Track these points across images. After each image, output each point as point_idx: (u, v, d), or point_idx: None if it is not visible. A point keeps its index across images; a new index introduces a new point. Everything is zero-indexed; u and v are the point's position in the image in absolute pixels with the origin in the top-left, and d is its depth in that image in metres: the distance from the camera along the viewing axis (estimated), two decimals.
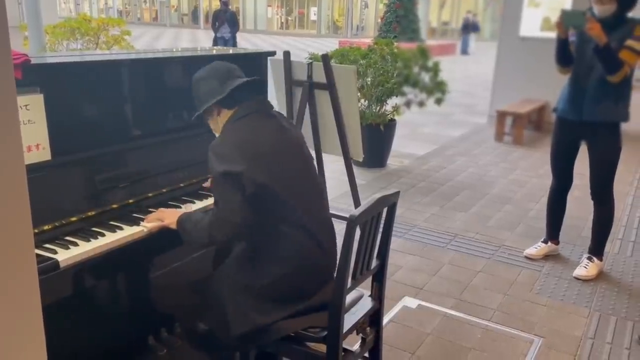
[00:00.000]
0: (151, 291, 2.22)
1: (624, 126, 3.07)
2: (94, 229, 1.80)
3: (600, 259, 3.31)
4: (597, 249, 3.31)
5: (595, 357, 2.50)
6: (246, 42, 22.05)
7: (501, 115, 6.78)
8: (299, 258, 1.74)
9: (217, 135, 1.87)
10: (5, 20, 0.73)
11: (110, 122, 2.05)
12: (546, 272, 3.32)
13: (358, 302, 1.93)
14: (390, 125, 5.35)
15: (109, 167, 1.95)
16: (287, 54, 3.20)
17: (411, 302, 2.91)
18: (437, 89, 5.20)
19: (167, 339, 2.19)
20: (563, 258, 3.51)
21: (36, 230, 1.65)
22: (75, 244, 1.69)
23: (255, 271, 1.76)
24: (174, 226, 1.81)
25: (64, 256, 1.62)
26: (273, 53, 2.95)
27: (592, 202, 3.25)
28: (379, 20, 24.84)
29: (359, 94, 4.95)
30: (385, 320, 2.68)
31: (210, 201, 2.10)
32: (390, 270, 3.17)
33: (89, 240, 1.72)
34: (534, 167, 5.66)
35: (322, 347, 1.73)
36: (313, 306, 1.76)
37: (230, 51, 3.03)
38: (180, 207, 2.06)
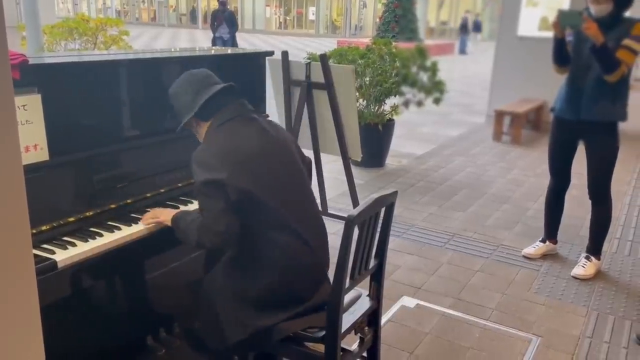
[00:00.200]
0: (149, 291, 2.22)
1: (622, 125, 3.08)
2: (92, 229, 1.80)
3: (598, 258, 3.32)
4: (595, 249, 3.31)
5: (593, 356, 2.51)
6: (244, 42, 22.04)
7: (499, 115, 6.78)
8: (287, 259, 1.73)
9: (201, 141, 1.86)
10: (3, 20, 0.73)
11: (108, 123, 2.05)
12: (544, 271, 3.33)
13: (356, 301, 1.93)
14: (389, 125, 5.35)
15: (106, 167, 1.95)
16: (285, 54, 3.21)
17: (409, 302, 2.92)
18: (436, 88, 5.20)
19: (165, 339, 2.19)
20: (561, 257, 3.52)
21: (34, 231, 1.65)
22: (73, 244, 1.69)
23: (245, 278, 1.75)
24: (168, 223, 1.82)
25: (62, 256, 1.62)
26: (271, 53, 2.95)
27: (589, 202, 3.26)
28: (378, 20, 24.84)
29: (357, 93, 4.95)
30: (384, 319, 2.69)
31: None
32: (389, 269, 3.17)
33: (87, 241, 1.72)
34: (532, 166, 5.67)
35: (320, 347, 1.74)
36: (310, 307, 1.77)
37: (229, 51, 3.03)
38: (178, 207, 2.06)
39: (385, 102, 5.28)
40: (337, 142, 3.18)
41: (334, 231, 3.57)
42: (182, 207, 2.06)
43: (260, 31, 35.74)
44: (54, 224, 1.73)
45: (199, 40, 23.92)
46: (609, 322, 2.78)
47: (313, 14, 35.69)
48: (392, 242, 3.57)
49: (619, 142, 3.08)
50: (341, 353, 1.75)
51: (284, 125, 3.32)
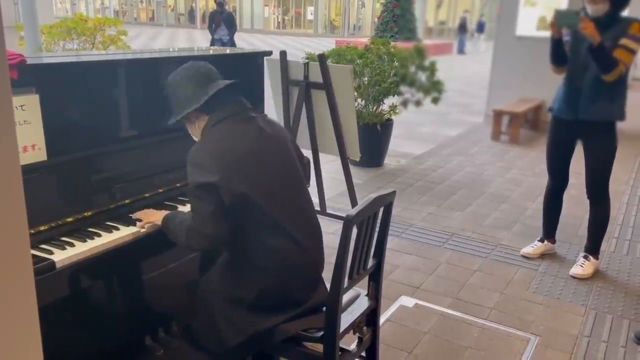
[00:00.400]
0: (148, 291, 2.22)
1: (620, 125, 3.08)
2: (90, 229, 1.80)
3: (597, 258, 3.32)
4: (593, 248, 3.32)
5: (591, 355, 2.51)
6: (243, 42, 22.03)
7: (497, 115, 6.79)
8: (280, 262, 1.72)
9: (195, 139, 1.84)
10: (1, 20, 0.73)
11: (107, 123, 2.04)
12: (542, 270, 3.33)
13: (355, 301, 1.93)
14: (387, 124, 5.36)
15: (105, 168, 1.94)
16: (283, 54, 3.21)
17: (408, 302, 2.92)
18: (434, 88, 5.20)
19: (164, 339, 2.19)
20: (559, 257, 3.52)
21: (32, 231, 1.64)
22: (72, 245, 1.69)
23: (240, 281, 1.75)
24: (159, 223, 1.82)
25: (60, 257, 1.62)
26: (270, 53, 2.95)
27: (588, 201, 3.26)
28: (376, 19, 24.83)
29: (355, 93, 4.95)
30: (382, 319, 2.69)
31: None
32: (387, 269, 3.18)
33: (85, 241, 1.72)
34: (531, 166, 5.67)
35: (319, 347, 1.74)
36: (307, 310, 1.76)
37: (227, 51, 3.03)
38: (176, 207, 2.06)
39: (384, 101, 5.28)
40: (335, 142, 3.18)
41: (332, 231, 3.57)
42: (180, 207, 2.06)
43: (259, 31, 35.73)
44: (52, 224, 1.73)
45: (198, 40, 23.91)
46: (607, 321, 2.79)
47: (311, 13, 35.71)
48: (391, 242, 3.57)
49: (617, 142, 3.09)
50: (340, 353, 1.75)
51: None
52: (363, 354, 1.99)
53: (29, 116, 1.71)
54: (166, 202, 2.09)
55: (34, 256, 1.56)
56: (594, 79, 2.95)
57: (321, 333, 1.73)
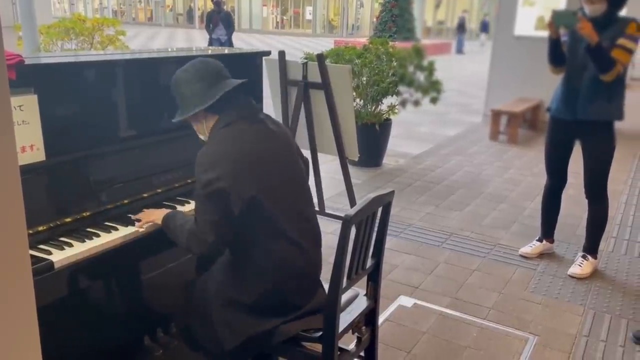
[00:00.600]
0: (146, 291, 2.21)
1: (618, 125, 3.09)
2: (88, 229, 1.80)
3: (595, 257, 3.33)
4: (591, 248, 3.32)
5: (589, 354, 2.51)
6: (241, 42, 22.02)
7: (496, 115, 6.80)
8: (282, 266, 1.71)
9: (201, 137, 1.83)
10: None
11: (105, 123, 2.04)
12: (541, 270, 3.34)
13: (353, 301, 1.93)
14: (386, 124, 5.36)
15: (103, 168, 1.94)
16: (282, 54, 3.20)
17: (407, 301, 2.92)
18: (432, 88, 5.20)
19: (163, 339, 2.19)
20: (558, 256, 3.53)
21: (31, 231, 1.64)
22: (70, 245, 1.69)
23: (240, 285, 1.74)
24: (159, 222, 1.81)
25: (58, 257, 1.61)
26: (268, 53, 2.95)
27: (586, 201, 3.27)
28: (375, 19, 24.83)
29: (354, 93, 4.95)
30: (381, 319, 2.69)
31: None
32: (386, 269, 3.18)
33: (83, 241, 1.72)
34: (529, 165, 5.68)
35: (318, 347, 1.74)
36: (307, 311, 1.76)
37: (226, 51, 3.03)
38: (175, 207, 2.05)
39: (382, 101, 5.29)
40: (334, 141, 3.18)
41: (331, 231, 3.57)
42: (179, 207, 2.06)
43: (257, 31, 35.72)
44: (51, 225, 1.73)
45: (196, 40, 23.89)
46: (606, 320, 2.79)
47: (310, 13, 35.69)
48: (389, 242, 3.58)
49: (615, 142, 3.09)
50: (338, 353, 1.75)
51: None
52: (362, 353, 1.99)
53: (28, 116, 1.71)
54: (165, 202, 2.09)
55: (32, 256, 1.56)
56: (592, 79, 2.96)
57: (320, 333, 1.73)
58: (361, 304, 1.93)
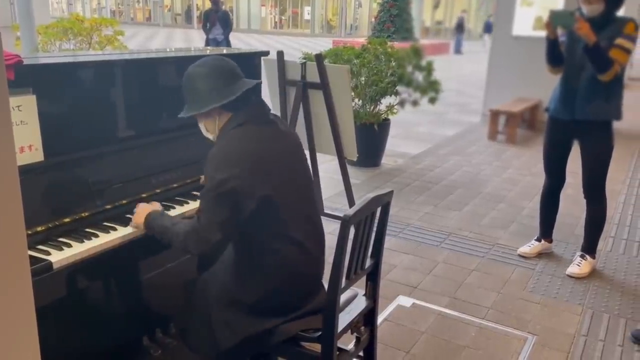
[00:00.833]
0: (145, 292, 2.21)
1: (616, 124, 3.09)
2: (87, 229, 1.79)
3: (593, 257, 3.33)
4: (590, 247, 3.33)
5: (588, 354, 2.52)
6: (240, 42, 22.01)
7: (494, 114, 6.80)
8: (288, 268, 1.71)
9: (208, 136, 1.82)
10: None
11: (104, 123, 2.04)
12: (539, 270, 3.34)
13: (352, 301, 1.93)
14: (384, 124, 5.36)
15: (102, 168, 1.94)
16: (280, 54, 3.21)
17: (405, 301, 2.92)
18: (431, 88, 5.21)
19: (161, 339, 2.19)
20: (556, 256, 3.53)
21: (29, 232, 1.64)
22: (69, 245, 1.68)
23: (243, 285, 1.73)
24: (142, 227, 1.77)
25: (57, 257, 1.61)
26: (267, 53, 2.95)
27: (584, 201, 3.27)
28: (373, 19, 24.86)
29: (352, 93, 4.95)
30: (380, 319, 2.69)
31: None
32: (384, 269, 3.18)
33: (82, 242, 1.72)
34: (527, 165, 5.68)
35: (317, 347, 1.74)
36: (307, 312, 1.76)
37: (224, 51, 3.03)
38: (174, 208, 2.05)
39: (381, 101, 5.29)
40: (332, 141, 3.18)
41: (330, 231, 3.57)
42: (178, 207, 2.05)
43: (256, 31, 35.70)
44: (49, 225, 1.73)
45: (194, 40, 23.87)
46: (604, 320, 2.80)
47: (308, 13, 35.69)
48: (388, 242, 3.58)
49: (613, 141, 3.10)
50: (337, 353, 1.75)
51: None
52: (361, 353, 1.99)
53: (26, 117, 1.71)
54: (164, 203, 2.08)
55: (31, 257, 1.56)
56: (590, 79, 2.96)
57: (319, 333, 1.73)
58: (360, 304, 1.93)
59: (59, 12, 36.49)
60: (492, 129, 6.84)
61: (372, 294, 1.96)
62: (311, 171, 1.90)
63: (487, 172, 5.41)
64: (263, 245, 1.71)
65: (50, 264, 1.58)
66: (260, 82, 1.81)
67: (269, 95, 3.41)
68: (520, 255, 3.51)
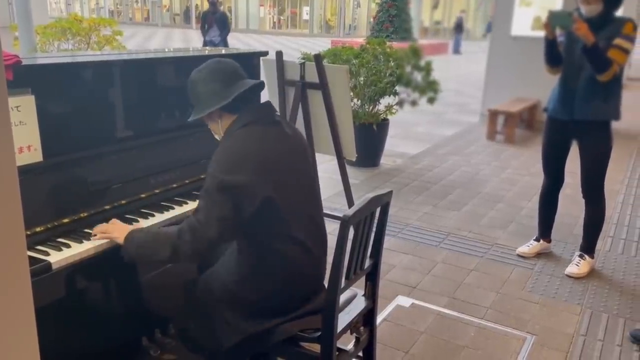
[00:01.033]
0: (144, 292, 2.21)
1: (615, 124, 3.10)
2: (86, 230, 1.79)
3: (592, 257, 3.34)
4: (588, 247, 3.33)
5: (587, 354, 2.52)
6: (238, 42, 22.01)
7: (493, 114, 6.81)
8: (292, 268, 1.72)
9: (216, 137, 1.83)
10: None
11: (102, 123, 2.04)
12: (538, 270, 3.34)
13: (352, 301, 1.93)
14: (383, 124, 5.36)
15: (101, 168, 1.94)
16: (279, 54, 3.20)
17: (405, 301, 2.92)
18: (430, 88, 5.21)
19: (161, 340, 2.19)
20: (555, 256, 3.53)
21: (28, 232, 1.64)
22: (68, 246, 1.68)
23: (245, 284, 1.73)
24: (120, 241, 1.70)
25: (56, 258, 1.61)
26: (266, 53, 2.95)
27: (583, 201, 3.27)
28: (372, 19, 24.87)
29: (351, 93, 4.95)
30: (379, 319, 2.69)
31: None
32: (384, 269, 3.18)
33: (81, 242, 1.71)
34: (526, 165, 5.69)
35: (316, 347, 1.74)
36: (308, 311, 1.77)
37: (223, 51, 3.03)
38: (173, 208, 2.05)
39: (380, 101, 5.29)
40: (331, 142, 3.18)
41: (329, 231, 3.54)
42: (177, 208, 2.05)
43: (254, 31, 35.70)
44: (48, 225, 1.73)
45: (193, 41, 23.86)
46: (603, 320, 2.80)
47: (307, 13, 35.70)
48: (387, 242, 3.58)
49: (612, 142, 3.10)
50: (337, 353, 1.75)
51: None
52: (360, 353, 1.99)
53: (25, 117, 1.70)
54: (163, 203, 2.08)
55: (30, 258, 1.56)
56: (588, 79, 2.96)
57: (318, 333, 1.73)
58: (359, 304, 1.93)
59: (57, 12, 36.46)
60: (491, 129, 6.84)
61: (372, 294, 1.96)
62: (315, 172, 1.90)
63: (486, 172, 5.42)
64: (265, 245, 1.71)
65: (49, 264, 1.58)
66: (262, 82, 1.80)
67: (268, 96, 3.41)
68: (519, 255, 3.51)
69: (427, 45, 17.91)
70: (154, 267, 2.15)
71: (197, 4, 38.87)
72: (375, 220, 1.85)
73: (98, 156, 1.94)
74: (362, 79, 5.10)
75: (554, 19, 2.95)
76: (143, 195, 2.04)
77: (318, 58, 3.03)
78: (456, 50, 23.07)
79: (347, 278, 1.75)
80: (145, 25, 40.31)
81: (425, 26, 33.95)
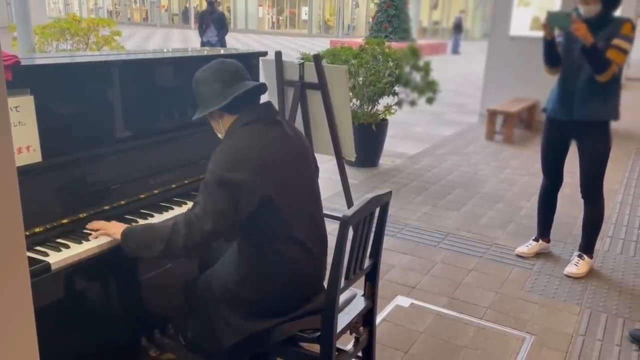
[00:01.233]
0: (143, 293, 2.21)
1: (614, 124, 3.10)
2: (85, 230, 1.79)
3: (591, 257, 3.34)
4: (587, 247, 3.33)
5: (586, 354, 2.52)
6: (237, 42, 22.00)
7: (492, 114, 6.81)
8: (292, 269, 1.72)
9: (219, 135, 1.83)
10: None
11: (101, 124, 2.04)
12: (537, 270, 3.34)
13: (351, 301, 1.93)
14: (382, 124, 5.36)
15: (100, 169, 1.94)
16: (278, 54, 3.20)
17: (404, 301, 2.92)
18: (429, 88, 5.21)
19: (160, 340, 2.18)
20: (554, 256, 3.54)
21: (27, 233, 1.64)
22: (67, 246, 1.68)
23: (245, 285, 1.73)
24: (117, 236, 1.71)
25: (55, 258, 1.61)
26: (265, 53, 2.95)
27: (582, 201, 3.28)
28: (370, 19, 24.87)
29: (350, 93, 4.95)
30: (379, 319, 2.69)
31: None
32: (383, 269, 3.18)
33: (80, 242, 1.71)
34: (525, 165, 5.69)
35: (315, 347, 1.74)
36: (308, 312, 1.77)
37: (222, 51, 3.03)
38: (172, 208, 2.05)
39: (379, 102, 5.29)
40: (331, 142, 3.18)
41: (328, 231, 3.54)
42: (177, 208, 2.05)
43: (253, 31, 35.70)
44: (47, 226, 1.72)
45: (192, 41, 23.84)
46: (602, 320, 2.80)
47: (306, 13, 35.71)
48: (386, 242, 3.58)
49: (611, 141, 3.10)
50: (336, 353, 1.75)
51: None
52: (359, 354, 1.99)
53: (24, 117, 1.70)
54: (162, 203, 2.08)
55: (29, 258, 1.55)
56: (587, 80, 2.97)
57: (318, 334, 1.73)
58: (359, 304, 1.93)
59: (55, 13, 36.40)
60: (490, 129, 6.85)
61: (371, 294, 1.96)
62: (317, 175, 1.90)
63: (485, 172, 5.42)
64: (266, 245, 1.71)
65: (48, 265, 1.58)
66: (264, 84, 1.81)
67: (267, 96, 3.41)
68: (518, 255, 3.51)
69: (426, 46, 17.91)
70: (154, 267, 2.15)
71: (196, 4, 38.86)
72: (375, 221, 1.85)
73: (97, 156, 1.94)
74: (361, 79, 5.10)
75: (552, 20, 2.95)
76: (142, 196, 2.04)
77: (317, 58, 3.03)
78: (455, 51, 23.07)
79: (346, 278, 1.75)
80: (144, 25, 40.29)
81: (424, 26, 33.97)
